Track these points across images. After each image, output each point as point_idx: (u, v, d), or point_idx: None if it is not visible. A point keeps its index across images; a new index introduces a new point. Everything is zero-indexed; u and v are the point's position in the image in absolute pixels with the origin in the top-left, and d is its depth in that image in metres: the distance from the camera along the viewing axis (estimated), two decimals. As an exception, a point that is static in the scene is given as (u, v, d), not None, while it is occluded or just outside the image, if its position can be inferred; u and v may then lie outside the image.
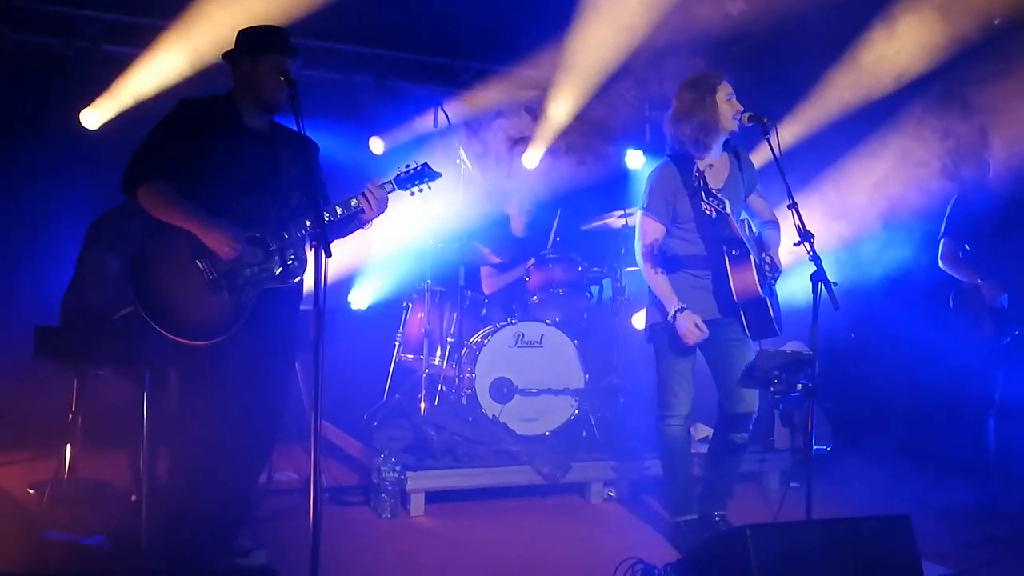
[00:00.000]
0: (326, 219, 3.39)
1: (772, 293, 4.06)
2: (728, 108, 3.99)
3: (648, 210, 4.06)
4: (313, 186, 3.39)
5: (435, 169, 3.75)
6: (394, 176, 3.70)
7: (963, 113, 5.34)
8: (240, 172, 3.44)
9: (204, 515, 3.36)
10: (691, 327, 3.91)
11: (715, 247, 3.97)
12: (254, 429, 3.46)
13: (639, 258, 4.12)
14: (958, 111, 5.37)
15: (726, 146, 4.12)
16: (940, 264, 5.04)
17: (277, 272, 3.44)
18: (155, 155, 3.39)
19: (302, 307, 3.63)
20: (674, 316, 3.93)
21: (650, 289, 4.15)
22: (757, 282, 3.86)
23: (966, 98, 5.36)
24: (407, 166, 3.72)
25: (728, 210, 3.76)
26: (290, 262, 3.45)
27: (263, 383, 3.46)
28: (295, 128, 3.20)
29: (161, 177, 3.37)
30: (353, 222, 3.63)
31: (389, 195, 3.61)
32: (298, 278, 3.50)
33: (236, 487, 3.49)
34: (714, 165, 4.06)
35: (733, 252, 3.88)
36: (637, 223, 4.17)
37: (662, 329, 4.10)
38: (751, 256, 3.87)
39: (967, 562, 4.03)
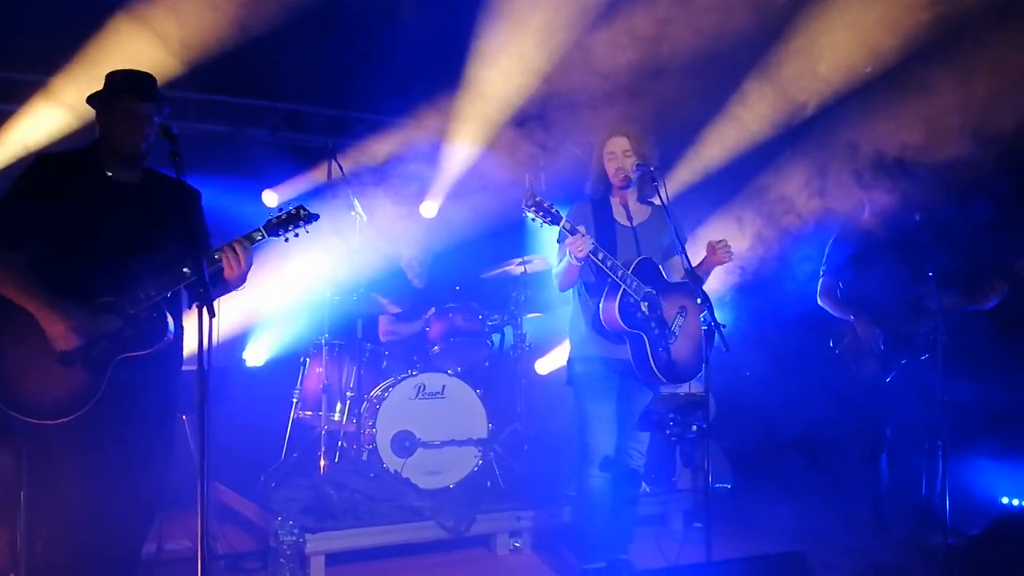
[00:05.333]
0: (186, 275, 3.19)
1: (665, 345, 4.09)
2: (610, 165, 4.17)
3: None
4: (193, 238, 3.15)
5: (311, 211, 3.49)
6: (264, 223, 3.43)
7: (841, 153, 5.57)
8: (100, 229, 3.22)
9: None
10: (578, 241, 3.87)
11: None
12: (129, 503, 3.24)
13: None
14: (836, 151, 5.60)
15: (642, 198, 4.25)
16: (818, 300, 5.22)
17: (136, 339, 3.19)
18: (2, 221, 3.18)
19: (187, 368, 3.47)
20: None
21: (570, 323, 4.27)
22: (618, 316, 3.96)
23: (846, 137, 5.60)
24: (280, 209, 3.47)
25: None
26: (149, 326, 3.21)
27: (135, 455, 3.24)
28: (173, 175, 3.02)
29: (5, 247, 3.15)
30: (220, 280, 3.34)
31: (261, 243, 3.38)
32: (161, 342, 3.25)
33: (115, 564, 3.29)
34: (621, 210, 4.22)
35: (608, 280, 4.00)
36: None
37: (581, 363, 4.16)
38: (620, 290, 3.97)
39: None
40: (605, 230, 4.13)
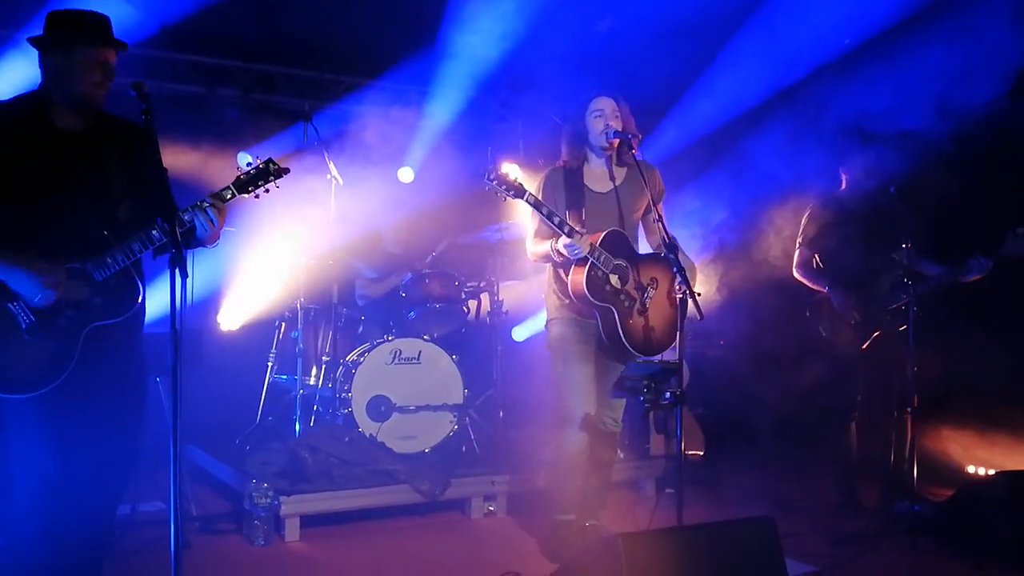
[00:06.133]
0: (156, 239, 3.02)
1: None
2: (597, 123, 4.11)
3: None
4: (159, 192, 2.93)
5: (281, 165, 3.27)
6: (233, 180, 3.22)
7: (819, 123, 5.57)
8: (53, 186, 2.98)
9: (55, 565, 3.11)
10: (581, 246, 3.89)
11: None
12: (103, 470, 3.15)
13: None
14: (814, 121, 5.60)
15: (620, 162, 4.20)
16: (795, 272, 5.25)
17: (107, 308, 3.02)
18: None
19: (159, 330, 3.36)
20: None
21: (547, 288, 4.26)
22: (586, 289, 3.94)
23: (827, 112, 5.59)
24: (248, 164, 3.25)
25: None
26: (120, 293, 3.04)
27: (107, 422, 3.12)
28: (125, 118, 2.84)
29: None
30: (192, 240, 3.14)
31: (233, 202, 3.20)
32: (131, 310, 3.10)
33: (88, 529, 3.21)
34: (597, 173, 4.19)
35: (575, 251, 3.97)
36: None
37: (557, 324, 4.16)
38: (588, 263, 3.94)
39: (830, 559, 4.19)
40: (575, 197, 4.10)
